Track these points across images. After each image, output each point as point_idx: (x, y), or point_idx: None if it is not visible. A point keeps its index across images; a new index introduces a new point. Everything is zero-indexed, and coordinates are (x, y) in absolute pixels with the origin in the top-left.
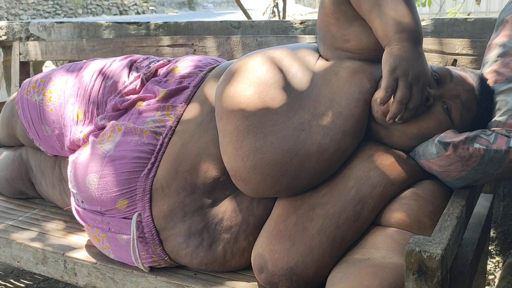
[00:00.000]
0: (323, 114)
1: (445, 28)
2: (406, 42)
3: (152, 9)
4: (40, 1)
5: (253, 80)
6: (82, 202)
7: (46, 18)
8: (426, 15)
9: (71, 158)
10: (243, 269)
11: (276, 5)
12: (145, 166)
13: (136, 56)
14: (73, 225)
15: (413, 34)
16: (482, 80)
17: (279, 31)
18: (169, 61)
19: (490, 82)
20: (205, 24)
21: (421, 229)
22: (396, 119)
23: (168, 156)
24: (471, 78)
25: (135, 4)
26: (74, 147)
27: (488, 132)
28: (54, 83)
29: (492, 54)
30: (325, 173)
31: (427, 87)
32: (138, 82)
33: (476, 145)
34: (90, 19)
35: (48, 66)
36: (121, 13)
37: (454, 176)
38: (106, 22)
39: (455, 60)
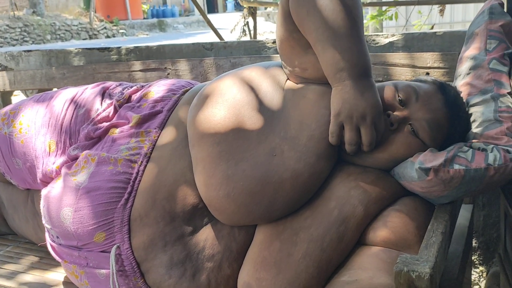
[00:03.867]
0: (295, 137)
1: (416, 43)
2: (348, 80)
3: (122, 32)
4: (7, 29)
5: (224, 103)
6: (58, 237)
7: (14, 45)
8: (393, 28)
9: (43, 192)
10: None
11: (247, 24)
12: (122, 196)
13: (108, 83)
14: (49, 261)
15: (354, 70)
16: (454, 93)
17: (252, 51)
18: (142, 86)
19: (464, 94)
20: (177, 46)
21: (406, 246)
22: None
23: (144, 184)
24: (440, 92)
25: (105, 28)
26: (47, 179)
27: (464, 148)
28: (24, 114)
29: (464, 67)
30: (301, 198)
31: (381, 117)
32: (111, 109)
33: (456, 166)
34: (59, 44)
35: (18, 95)
36: (90, 37)
37: (437, 195)
38: (76, 49)
39: (427, 73)
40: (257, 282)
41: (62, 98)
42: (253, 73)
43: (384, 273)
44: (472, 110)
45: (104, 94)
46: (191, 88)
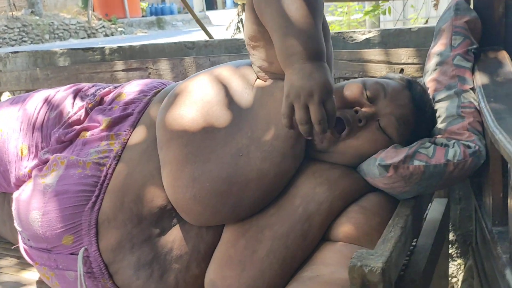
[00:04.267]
0: (261, 137)
1: (391, 39)
2: (297, 64)
3: (121, 30)
4: (5, 29)
5: (192, 104)
6: (28, 240)
7: (12, 45)
8: (390, 23)
9: (14, 195)
10: None
11: (241, 21)
12: (89, 199)
13: (82, 85)
14: (25, 261)
15: (304, 53)
16: (420, 90)
17: (232, 50)
18: (115, 87)
19: (430, 90)
20: (160, 46)
21: (369, 241)
22: (315, 137)
23: (112, 187)
24: (407, 89)
25: (103, 26)
26: (20, 183)
27: (427, 144)
28: (6, 119)
29: (431, 63)
30: (267, 197)
31: (330, 98)
32: (82, 112)
33: (416, 162)
34: (57, 44)
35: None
36: (89, 36)
37: (399, 191)
38: (61, 49)
39: (402, 70)
40: (222, 280)
41: (34, 101)
42: (223, 72)
43: (345, 268)
44: (437, 106)
45: (76, 96)
46: (163, 88)
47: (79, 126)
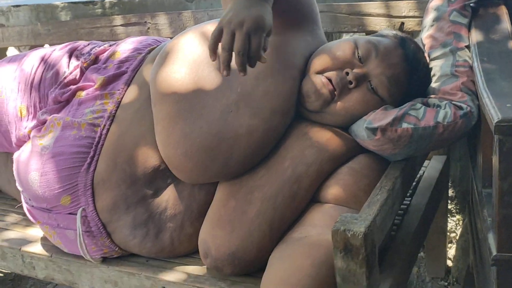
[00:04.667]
0: (250, 93)
1: None
2: None
3: None
4: None
5: (184, 61)
6: (30, 199)
7: None
8: None
9: (15, 155)
10: (193, 253)
11: None
12: (85, 161)
13: (78, 43)
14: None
15: None
16: (414, 48)
17: None
18: (110, 45)
19: (426, 47)
20: (159, 0)
21: (357, 203)
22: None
23: (106, 148)
24: (400, 47)
25: None
26: (21, 143)
27: (418, 105)
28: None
29: (428, 18)
30: (257, 154)
31: (260, 35)
32: (77, 72)
33: (404, 125)
34: None
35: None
36: None
37: (389, 153)
38: (62, 3)
39: (403, 23)
40: (213, 239)
41: (31, 61)
42: (211, 29)
43: None
44: (432, 64)
45: (72, 55)
46: (157, 46)
47: (74, 86)
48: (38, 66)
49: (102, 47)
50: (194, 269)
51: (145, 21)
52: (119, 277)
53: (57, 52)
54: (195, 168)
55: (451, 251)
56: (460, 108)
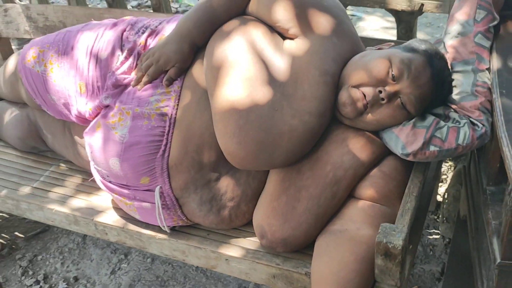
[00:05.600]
0: (291, 95)
1: None
2: (170, 33)
3: None
4: None
5: (240, 80)
6: (108, 176)
7: None
8: None
9: (87, 140)
10: (246, 226)
11: None
12: (159, 148)
13: (124, 23)
14: (90, 184)
15: (175, 29)
16: (441, 67)
17: None
18: (156, 26)
19: (449, 57)
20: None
21: (388, 201)
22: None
23: (176, 137)
24: (429, 65)
25: None
26: (82, 116)
27: (441, 123)
28: (53, 54)
29: (453, 28)
30: (298, 151)
31: (157, 67)
32: (131, 60)
33: (432, 147)
34: None
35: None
36: None
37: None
38: None
39: (422, 5)
40: (268, 227)
41: (85, 40)
42: (258, 36)
43: (368, 225)
44: (454, 76)
45: (122, 36)
46: None
47: (132, 76)
48: (92, 46)
49: (148, 30)
50: (251, 244)
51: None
52: (187, 248)
53: (108, 33)
54: (246, 157)
55: (441, 189)
56: (477, 126)
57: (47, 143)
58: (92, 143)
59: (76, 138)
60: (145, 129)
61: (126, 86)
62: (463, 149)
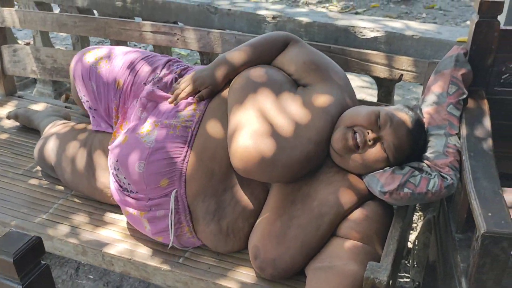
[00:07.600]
0: (296, 122)
1: (396, 41)
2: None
3: None
4: None
5: (252, 135)
6: (129, 184)
7: None
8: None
9: (113, 151)
10: (242, 256)
11: None
12: (181, 153)
13: (159, 61)
14: (97, 217)
15: (211, 64)
16: (418, 129)
17: (253, 23)
18: (188, 66)
19: (425, 121)
20: (183, 5)
21: (371, 241)
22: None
23: (196, 147)
24: (409, 122)
25: None
26: (108, 114)
27: (415, 173)
28: (115, 58)
29: (429, 97)
30: (295, 168)
31: (193, 85)
32: (169, 79)
33: (405, 190)
34: None
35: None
36: None
37: (393, 203)
38: None
39: (402, 75)
40: (262, 246)
41: (136, 54)
42: (269, 98)
43: (354, 262)
44: (429, 137)
45: (166, 63)
46: None
47: (166, 93)
48: (141, 59)
49: (183, 66)
50: (250, 278)
51: (174, 32)
52: (190, 279)
53: (158, 57)
54: (248, 167)
55: (412, 236)
56: (445, 179)
57: (56, 173)
58: (119, 152)
59: (96, 159)
60: (170, 137)
61: (157, 103)
62: (432, 195)
